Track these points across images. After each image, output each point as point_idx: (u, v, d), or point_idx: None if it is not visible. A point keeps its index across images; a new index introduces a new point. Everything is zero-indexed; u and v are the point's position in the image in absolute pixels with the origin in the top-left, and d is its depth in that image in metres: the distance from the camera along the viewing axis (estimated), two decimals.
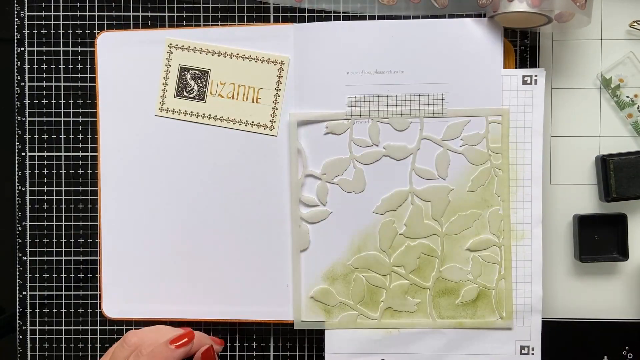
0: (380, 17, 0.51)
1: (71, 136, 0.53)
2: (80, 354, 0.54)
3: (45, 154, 0.53)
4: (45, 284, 0.53)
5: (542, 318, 0.51)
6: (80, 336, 0.54)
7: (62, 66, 0.53)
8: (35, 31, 0.53)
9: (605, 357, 0.52)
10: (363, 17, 0.52)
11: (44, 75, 0.53)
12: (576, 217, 0.52)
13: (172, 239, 0.52)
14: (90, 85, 0.53)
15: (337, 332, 0.51)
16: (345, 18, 0.52)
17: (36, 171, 0.53)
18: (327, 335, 0.51)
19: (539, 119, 0.50)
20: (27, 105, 0.53)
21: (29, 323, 0.54)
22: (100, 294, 0.53)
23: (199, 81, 0.51)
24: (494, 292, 0.50)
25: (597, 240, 0.52)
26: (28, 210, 0.53)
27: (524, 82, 0.49)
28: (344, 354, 0.51)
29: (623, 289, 0.52)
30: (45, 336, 0.54)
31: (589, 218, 0.51)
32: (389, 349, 0.51)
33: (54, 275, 0.53)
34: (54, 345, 0.54)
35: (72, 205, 0.53)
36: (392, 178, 0.50)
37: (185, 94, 0.51)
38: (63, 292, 0.53)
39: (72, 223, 0.53)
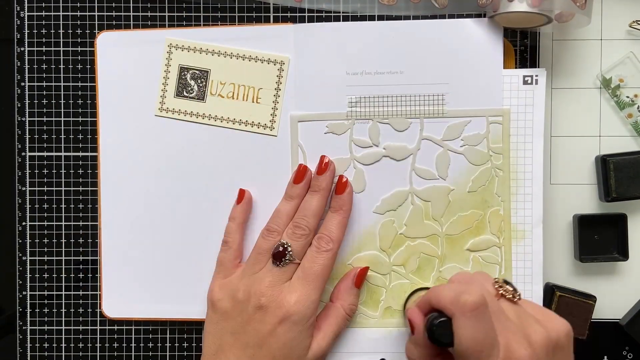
0: (380, 17, 0.51)
1: (71, 136, 0.53)
2: (80, 354, 0.54)
3: (45, 154, 0.53)
4: (45, 284, 0.53)
5: None
6: (80, 336, 0.54)
7: (62, 66, 0.53)
8: (35, 31, 0.52)
9: (605, 357, 0.52)
10: (363, 17, 0.52)
11: (44, 75, 0.53)
12: (576, 217, 0.52)
13: (172, 238, 0.52)
14: (90, 85, 0.53)
15: None
16: (345, 18, 0.52)
17: (36, 171, 0.53)
18: None
19: (540, 119, 0.50)
20: (27, 105, 0.53)
21: (29, 323, 0.54)
22: (100, 294, 0.53)
23: (199, 81, 0.51)
24: None
25: (597, 240, 0.52)
26: (28, 210, 0.53)
27: (525, 82, 0.49)
28: (344, 353, 0.51)
29: (623, 289, 0.52)
30: (45, 336, 0.54)
31: (589, 218, 0.51)
32: (389, 349, 0.51)
33: (54, 275, 0.53)
34: (54, 345, 0.54)
35: (72, 205, 0.53)
36: (392, 178, 0.50)
37: (185, 94, 0.51)
38: (63, 292, 0.53)
39: (72, 223, 0.53)
